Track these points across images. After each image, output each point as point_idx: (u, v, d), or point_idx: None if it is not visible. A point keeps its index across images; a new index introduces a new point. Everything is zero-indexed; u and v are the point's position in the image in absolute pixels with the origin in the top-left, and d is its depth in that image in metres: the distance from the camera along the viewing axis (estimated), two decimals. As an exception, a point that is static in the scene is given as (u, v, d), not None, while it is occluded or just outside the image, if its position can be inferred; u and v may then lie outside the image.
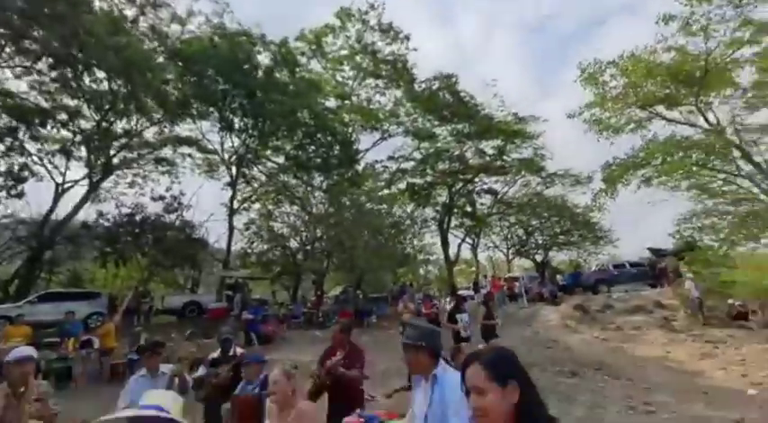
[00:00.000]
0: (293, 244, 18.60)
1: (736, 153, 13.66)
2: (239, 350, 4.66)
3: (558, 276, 21.81)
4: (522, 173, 24.91)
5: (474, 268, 30.32)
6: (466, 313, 7.78)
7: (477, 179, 24.99)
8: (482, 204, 26.65)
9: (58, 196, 15.89)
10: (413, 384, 2.60)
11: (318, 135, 18.00)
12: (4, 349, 6.35)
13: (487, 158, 23.88)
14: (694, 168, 14.17)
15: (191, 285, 19.22)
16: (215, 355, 4.49)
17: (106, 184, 17.08)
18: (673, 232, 15.48)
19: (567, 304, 14.55)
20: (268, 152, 19.64)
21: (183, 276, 20.47)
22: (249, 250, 18.07)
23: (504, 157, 23.91)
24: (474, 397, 1.23)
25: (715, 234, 14.49)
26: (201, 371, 4.29)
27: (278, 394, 2.52)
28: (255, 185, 20.30)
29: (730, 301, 11.20)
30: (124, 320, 12.65)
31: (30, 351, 3.11)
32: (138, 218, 15.74)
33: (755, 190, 13.21)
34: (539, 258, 27.84)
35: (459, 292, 19.31)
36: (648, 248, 18.82)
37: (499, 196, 26.26)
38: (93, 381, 8.13)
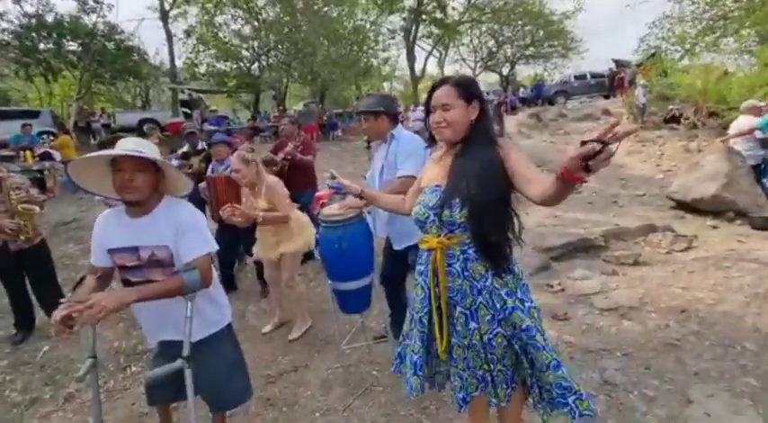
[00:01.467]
0: (245, 54, 16.81)
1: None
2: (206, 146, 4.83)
3: (521, 90, 21.99)
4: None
5: (439, 84, 29.56)
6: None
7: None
8: (453, 9, 23.94)
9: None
10: (372, 153, 2.92)
11: None
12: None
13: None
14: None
15: (141, 104, 17.94)
16: (184, 149, 4.65)
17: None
18: (640, 40, 15.11)
19: (524, 113, 15.29)
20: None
21: (129, 95, 18.80)
22: (196, 61, 16.28)
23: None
24: (440, 112, 1.38)
25: (680, 43, 14.36)
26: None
27: (244, 179, 2.78)
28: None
29: (670, 107, 12.10)
30: (78, 138, 12.20)
31: None
32: (49, 20, 13.12)
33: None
34: (505, 72, 27.28)
35: (421, 108, 19.40)
36: (613, 59, 18.70)
37: (473, 1, 23.41)
38: (67, 191, 8.39)
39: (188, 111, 15.07)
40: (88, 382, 1.59)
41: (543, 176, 1.23)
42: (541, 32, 24.76)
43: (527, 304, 1.37)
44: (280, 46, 16.09)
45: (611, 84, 17.48)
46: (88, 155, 1.58)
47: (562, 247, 4.03)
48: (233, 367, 1.82)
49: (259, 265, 3.42)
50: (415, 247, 2.15)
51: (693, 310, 2.66)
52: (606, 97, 17.27)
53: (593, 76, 18.50)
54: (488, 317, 1.35)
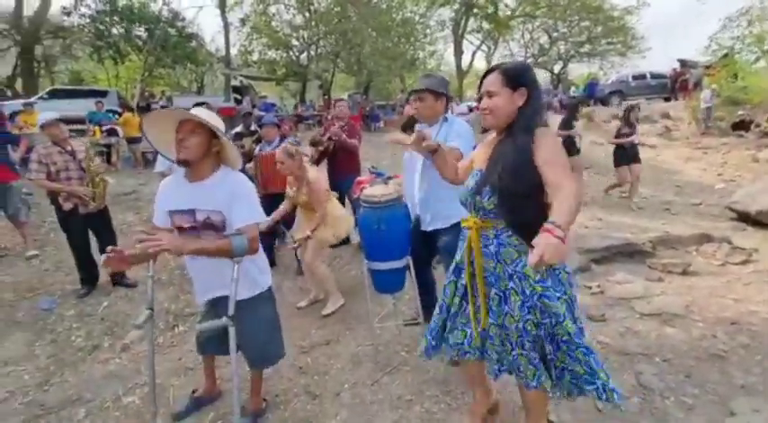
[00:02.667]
0: (295, 44, 17.22)
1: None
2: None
3: (572, 88, 21.00)
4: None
5: (486, 80, 28.84)
6: (578, 121, 6.69)
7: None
8: (506, 5, 23.16)
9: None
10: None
11: None
12: (28, 135, 6.84)
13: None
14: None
15: (196, 88, 18.94)
16: (238, 129, 4.91)
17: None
18: (710, 38, 13.96)
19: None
20: None
21: (186, 79, 19.90)
22: (249, 49, 16.90)
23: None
24: (485, 99, 1.41)
25: (758, 43, 13.12)
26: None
27: (287, 170, 2.91)
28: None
29: (740, 112, 11.13)
30: (136, 116, 13.08)
31: (51, 114, 3.42)
32: (121, 5, 14.10)
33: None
34: (556, 70, 26.13)
35: (467, 104, 19.04)
36: (678, 60, 17.38)
37: (528, -7, 22.52)
38: (127, 165, 9.06)
39: (238, 97, 15.70)
40: (144, 331, 1.77)
41: (558, 190, 1.19)
42: (599, 29, 23.41)
43: (557, 293, 1.37)
44: (329, 36, 16.34)
45: (673, 85, 16.30)
46: (161, 109, 1.99)
47: (604, 250, 3.88)
48: (271, 327, 1.95)
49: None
50: (445, 231, 2.20)
51: (745, 323, 2.50)
52: (667, 100, 16.13)
53: (654, 76, 17.30)
54: (518, 302, 1.38)
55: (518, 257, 1.37)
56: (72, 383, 2.42)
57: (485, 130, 1.57)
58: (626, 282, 3.17)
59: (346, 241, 4.35)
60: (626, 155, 5.93)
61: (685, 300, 2.82)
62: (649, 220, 5.31)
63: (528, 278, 1.36)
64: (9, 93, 14.70)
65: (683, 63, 16.99)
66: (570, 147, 5.86)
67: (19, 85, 15.05)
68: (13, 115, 9.05)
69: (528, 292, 1.36)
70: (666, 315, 2.63)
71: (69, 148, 3.38)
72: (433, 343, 1.67)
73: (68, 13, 14.65)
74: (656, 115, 13.02)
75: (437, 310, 1.68)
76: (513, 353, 1.41)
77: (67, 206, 3.37)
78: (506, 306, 1.40)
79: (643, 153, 9.78)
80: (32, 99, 12.17)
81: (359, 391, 2.18)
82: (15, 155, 4.71)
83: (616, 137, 6.00)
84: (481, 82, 1.45)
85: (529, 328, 1.37)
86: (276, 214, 3.06)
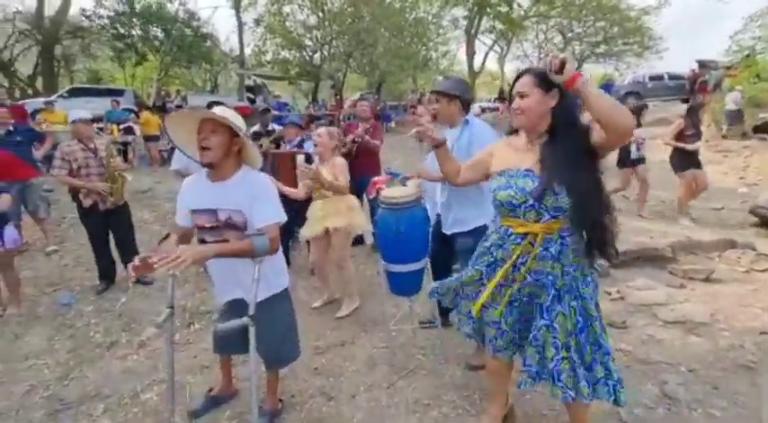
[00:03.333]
0: (308, 44, 17.32)
1: None
2: (277, 127, 5.08)
3: (587, 89, 20.66)
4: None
5: (498, 81, 28.67)
6: (641, 127, 5.61)
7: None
8: (519, 5, 22.92)
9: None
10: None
11: None
12: (50, 132, 6.97)
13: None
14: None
15: (210, 88, 19.18)
16: (255, 128, 4.93)
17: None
18: (732, 38, 13.63)
19: (588, 114, 14.36)
20: None
21: (200, 79, 20.17)
22: (263, 49, 17.06)
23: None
24: (517, 100, 1.42)
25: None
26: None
27: (321, 147, 2.94)
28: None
29: (762, 114, 10.83)
30: (155, 115, 13.28)
31: (84, 113, 3.50)
32: (138, 7, 14.37)
33: None
34: (571, 71, 25.70)
35: (480, 105, 18.89)
36: (697, 61, 17.00)
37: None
38: (143, 163, 9.21)
39: (252, 96, 15.85)
40: (164, 329, 1.78)
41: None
42: (615, 29, 23.06)
43: (595, 297, 1.46)
44: (342, 36, 16.39)
45: (691, 87, 15.94)
46: (183, 109, 1.85)
47: (622, 255, 3.79)
48: (287, 328, 1.94)
49: (309, 244, 3.56)
50: (465, 235, 2.17)
51: (775, 334, 2.41)
52: (685, 101, 15.77)
53: (672, 77, 16.97)
54: (572, 302, 1.41)
55: (575, 260, 1.42)
56: (91, 379, 2.45)
57: (511, 132, 1.55)
58: (647, 288, 3.10)
59: (361, 241, 4.36)
60: (690, 159, 5.12)
61: (710, 308, 2.74)
62: (669, 224, 5.18)
63: (579, 280, 1.42)
64: (30, 91, 15.09)
65: (703, 64, 16.59)
66: (624, 157, 5.34)
67: (39, 83, 15.42)
68: (34, 113, 9.28)
69: (578, 293, 1.42)
70: (691, 323, 2.56)
71: (92, 145, 3.45)
72: (442, 294, 1.80)
73: (88, 17, 14.99)
74: (673, 117, 12.74)
75: (455, 277, 1.74)
76: (557, 357, 1.39)
77: (87, 202, 3.43)
78: (559, 305, 1.41)
79: (662, 156, 9.63)
80: (53, 97, 12.47)
81: (375, 394, 2.16)
82: (38, 152, 4.79)
83: (677, 138, 5.11)
84: (512, 86, 1.48)
85: (575, 328, 1.41)
86: (290, 192, 3.05)
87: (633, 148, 5.28)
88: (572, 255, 1.41)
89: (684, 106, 14.42)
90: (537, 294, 1.47)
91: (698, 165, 5.19)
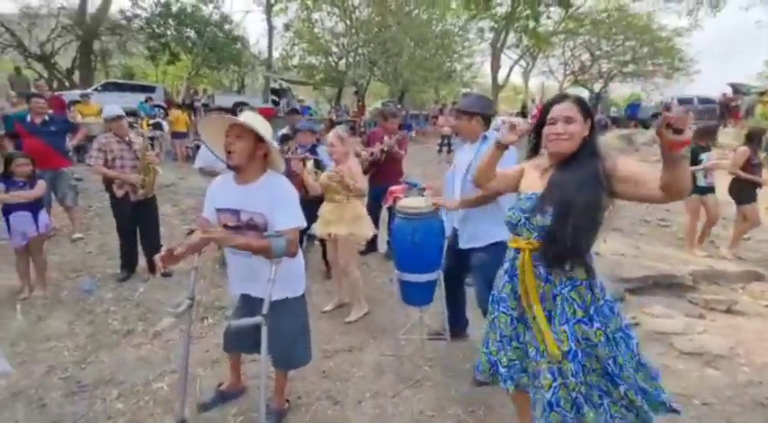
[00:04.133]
0: (335, 50, 17.63)
1: None
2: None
3: (612, 108, 20.38)
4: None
5: (521, 95, 28.52)
6: (711, 151, 4.72)
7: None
8: (548, 17, 22.82)
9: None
10: (455, 150, 2.96)
11: None
12: (85, 124, 7.27)
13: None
14: None
15: (237, 88, 19.68)
16: (284, 130, 5.03)
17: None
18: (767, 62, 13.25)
19: (613, 134, 14.15)
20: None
21: (228, 79, 20.74)
22: (290, 53, 17.44)
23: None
24: (562, 124, 1.41)
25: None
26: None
27: (335, 153, 2.97)
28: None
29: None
30: (184, 113, 13.71)
31: (118, 109, 3.65)
32: (174, 9, 14.94)
33: None
34: (597, 88, 25.46)
35: (502, 118, 18.77)
36: (730, 84, 16.59)
37: (572, 11, 22.12)
38: (168, 158, 9.48)
39: (276, 98, 16.20)
40: (180, 319, 1.84)
41: (655, 170, 1.23)
42: (645, 49, 22.71)
43: (595, 324, 1.38)
44: (368, 44, 16.63)
45: (722, 111, 15.55)
46: (213, 114, 2.01)
47: (640, 281, 3.72)
48: (300, 330, 1.98)
49: (324, 245, 3.61)
50: (481, 250, 2.17)
51: (798, 373, 2.32)
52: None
53: (702, 100, 16.57)
54: (564, 325, 1.37)
55: (565, 280, 1.39)
56: (107, 364, 2.53)
57: (532, 154, 1.56)
58: (664, 316, 3.02)
59: (374, 249, 4.38)
60: (753, 191, 4.62)
61: (730, 340, 2.66)
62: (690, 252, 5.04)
63: (572, 301, 1.38)
64: (67, 83, 15.78)
65: (735, 88, 16.21)
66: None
67: (76, 76, 16.11)
68: (70, 104, 9.71)
69: (569, 315, 1.38)
70: (709, 355, 2.48)
71: (127, 138, 3.60)
72: (490, 368, 1.64)
73: (128, 19, 15.65)
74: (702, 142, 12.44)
75: (489, 340, 1.63)
76: (555, 384, 1.37)
77: (120, 193, 3.57)
78: (552, 326, 1.40)
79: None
80: (88, 90, 13.01)
81: (380, 401, 2.17)
82: (70, 142, 5.00)
83: (743, 168, 4.52)
84: (547, 109, 1.48)
85: (565, 349, 1.37)
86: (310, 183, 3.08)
87: (701, 174, 4.58)
88: (563, 275, 1.39)
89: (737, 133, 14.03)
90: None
91: (755, 198, 4.69)
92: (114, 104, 3.97)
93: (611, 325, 1.39)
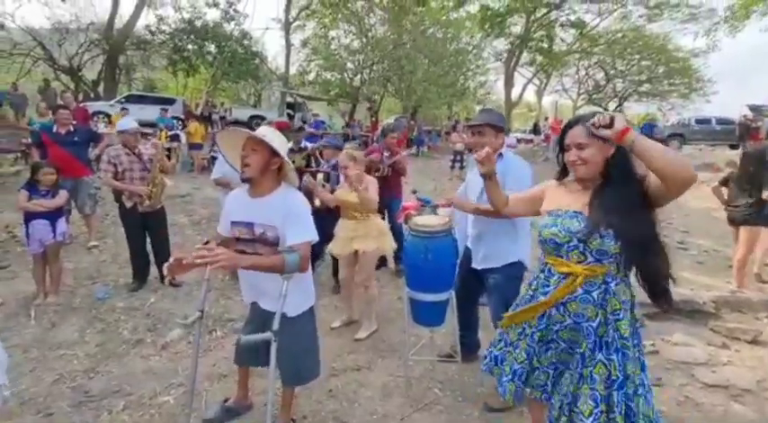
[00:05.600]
0: (350, 67, 17.98)
1: None
2: (309, 145, 5.25)
3: (628, 128, 20.17)
4: (625, 1, 20.32)
5: (534, 112, 28.54)
6: None
7: (565, 5, 20.87)
8: (562, 40, 22.99)
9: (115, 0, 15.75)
10: (468, 168, 2.92)
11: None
12: (111, 134, 7.50)
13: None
14: None
15: (253, 102, 20.14)
16: (289, 145, 5.12)
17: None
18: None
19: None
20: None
21: (245, 93, 21.27)
22: (307, 69, 17.85)
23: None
24: (574, 151, 1.41)
25: None
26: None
27: (350, 174, 2.96)
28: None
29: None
30: (202, 126, 14.04)
31: (131, 124, 3.76)
32: (198, 24, 15.50)
33: None
34: (611, 108, 25.34)
35: (516, 135, 18.78)
36: (748, 105, 16.33)
37: (586, 31, 22.27)
38: (184, 169, 9.67)
39: (291, 112, 16.50)
40: (190, 331, 1.83)
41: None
42: (661, 69, 22.63)
43: (637, 353, 1.39)
44: (383, 61, 16.92)
45: (741, 132, 15.26)
46: (230, 128, 2.04)
47: (666, 309, 3.59)
48: (308, 346, 1.95)
49: (335, 261, 3.59)
50: (497, 270, 2.12)
51: (831, 411, 2.19)
52: (733, 147, 15.11)
53: (720, 121, 16.34)
54: (612, 356, 1.36)
55: (619, 309, 1.37)
56: (115, 374, 2.52)
57: (561, 175, 1.54)
58: (685, 344, 2.90)
59: (384, 264, 4.35)
60: None
61: (757, 374, 2.53)
62: (712, 276, 4.88)
63: (621, 330, 1.36)
64: (92, 95, 16.36)
65: (755, 108, 15.93)
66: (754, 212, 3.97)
67: (101, 88, 16.70)
68: (94, 115, 10.05)
69: (619, 344, 1.36)
70: (734, 389, 2.36)
71: (137, 151, 3.68)
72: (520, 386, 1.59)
73: (152, 33, 16.28)
74: (720, 164, 12.18)
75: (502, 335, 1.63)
76: (596, 411, 1.32)
77: (128, 203, 3.64)
78: (600, 353, 1.37)
79: (705, 204, 9.17)
80: (111, 102, 13.47)
81: (388, 424, 2.11)
82: (93, 152, 5.14)
83: None
84: (564, 133, 1.47)
85: (614, 384, 1.35)
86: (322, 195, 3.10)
87: None
88: (616, 303, 1.37)
89: (732, 153, 13.78)
90: (577, 342, 1.41)
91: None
92: (129, 117, 4.10)
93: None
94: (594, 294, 1.37)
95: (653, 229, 1.33)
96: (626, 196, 1.32)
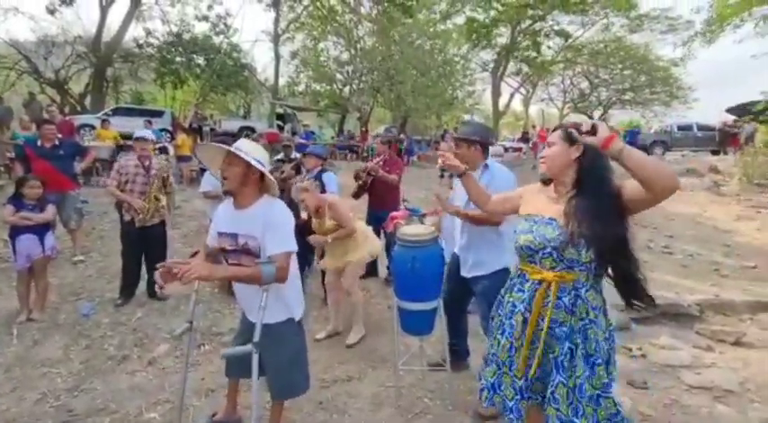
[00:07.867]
0: (339, 78, 18.12)
1: None
2: (298, 155, 5.29)
3: (613, 135, 20.59)
4: (607, 13, 20.95)
5: (522, 121, 29.02)
6: None
7: (549, 17, 21.42)
8: (549, 47, 23.54)
9: (104, 12, 15.68)
10: (454, 179, 2.97)
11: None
12: (97, 146, 7.44)
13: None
14: None
15: (243, 113, 20.12)
16: (279, 156, 5.15)
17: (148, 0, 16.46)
18: (763, 93, 13.40)
19: (613, 163, 14.21)
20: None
21: (234, 104, 21.26)
22: (296, 81, 17.94)
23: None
24: (545, 150, 1.51)
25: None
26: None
27: (308, 206, 3.00)
28: (299, 10, 18.72)
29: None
30: (190, 138, 13.98)
31: (149, 134, 3.78)
32: (186, 37, 15.52)
33: None
34: (596, 116, 25.89)
35: (503, 144, 19.02)
36: (727, 110, 16.78)
37: (570, 41, 22.87)
38: (174, 182, 9.59)
39: (281, 123, 16.52)
40: (178, 344, 1.81)
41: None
42: (643, 78, 23.26)
43: (611, 359, 1.42)
44: (372, 72, 17.09)
45: (722, 138, 15.70)
46: (208, 143, 2.05)
47: (645, 309, 3.65)
48: (297, 359, 1.94)
49: (323, 271, 3.59)
50: (485, 278, 2.15)
51: (812, 410, 2.24)
52: (715, 153, 15.52)
53: (701, 127, 16.77)
54: (584, 358, 1.38)
55: (587, 314, 1.40)
56: (100, 392, 2.47)
57: (545, 181, 1.57)
58: (671, 347, 2.95)
59: (374, 273, 4.35)
60: None
61: (740, 375, 2.58)
62: (696, 280, 4.97)
63: (594, 337, 1.38)
64: (79, 108, 16.21)
65: (743, 107, 16.33)
66: None
67: (88, 101, 16.55)
68: (79, 127, 9.96)
69: (592, 349, 1.38)
70: (718, 390, 2.41)
71: (147, 163, 3.67)
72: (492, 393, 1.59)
73: (140, 46, 16.24)
74: (703, 169, 12.49)
75: (491, 359, 1.61)
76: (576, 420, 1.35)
77: (127, 217, 3.61)
78: (574, 360, 1.39)
79: (690, 209, 9.37)
80: (98, 115, 13.34)
81: (378, 435, 2.10)
82: (79, 165, 5.07)
83: None
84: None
85: (588, 386, 1.37)
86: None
87: None
88: (587, 309, 1.40)
89: (714, 158, 14.10)
90: (551, 347, 1.43)
91: None
92: (145, 130, 4.14)
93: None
94: (565, 300, 1.41)
95: (624, 236, 1.35)
96: (598, 205, 1.34)
